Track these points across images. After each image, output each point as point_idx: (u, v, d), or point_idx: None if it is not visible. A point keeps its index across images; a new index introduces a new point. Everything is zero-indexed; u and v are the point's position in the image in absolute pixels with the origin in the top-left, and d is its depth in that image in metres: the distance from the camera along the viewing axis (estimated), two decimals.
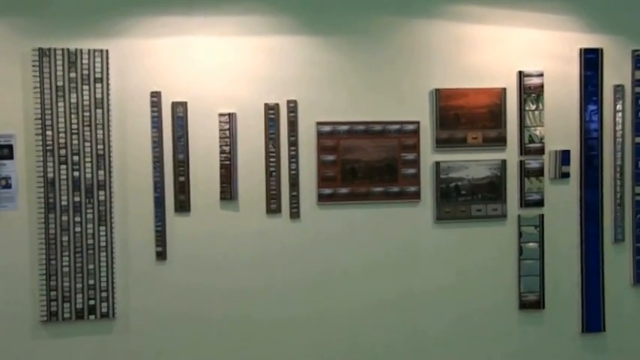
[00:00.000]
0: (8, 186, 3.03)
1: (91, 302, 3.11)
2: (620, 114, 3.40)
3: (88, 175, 3.09)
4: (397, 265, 3.35)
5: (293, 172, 3.25)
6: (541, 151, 3.41)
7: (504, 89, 3.37)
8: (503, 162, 3.38)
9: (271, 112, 3.22)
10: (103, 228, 3.12)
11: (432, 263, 3.38)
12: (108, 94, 3.10)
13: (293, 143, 3.26)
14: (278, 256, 3.26)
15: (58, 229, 3.08)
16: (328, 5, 3.24)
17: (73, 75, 3.06)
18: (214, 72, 3.19)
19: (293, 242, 3.27)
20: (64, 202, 3.08)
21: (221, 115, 3.19)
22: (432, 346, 3.37)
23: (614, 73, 3.42)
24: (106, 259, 3.13)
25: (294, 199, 3.26)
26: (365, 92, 3.30)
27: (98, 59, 3.09)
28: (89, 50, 3.08)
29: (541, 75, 3.39)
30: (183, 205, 3.18)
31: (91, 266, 3.11)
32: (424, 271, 3.38)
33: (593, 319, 3.44)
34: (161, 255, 3.17)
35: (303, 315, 3.28)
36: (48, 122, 3.06)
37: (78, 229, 3.09)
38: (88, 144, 3.09)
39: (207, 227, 3.20)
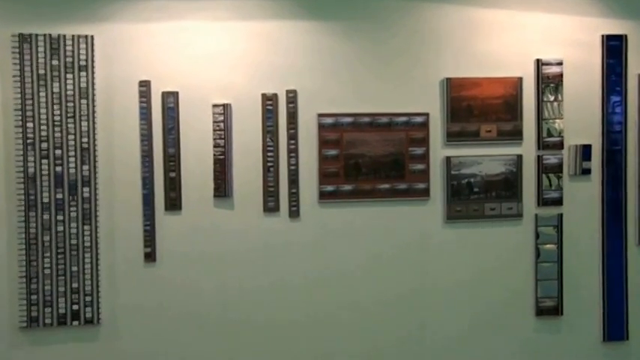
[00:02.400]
0: None
1: (75, 307, 3.12)
2: None
3: (72, 171, 3.10)
4: (404, 268, 3.36)
5: (292, 167, 3.25)
6: (560, 145, 3.41)
7: (520, 79, 3.37)
8: (519, 157, 3.38)
9: (269, 102, 3.21)
10: (87, 227, 3.12)
11: (441, 266, 3.37)
12: (93, 84, 3.11)
13: (292, 136, 3.25)
14: (276, 258, 3.26)
15: (39, 229, 3.08)
16: None
17: (55, 63, 3.07)
18: (208, 60, 3.18)
19: (292, 243, 3.27)
20: (46, 200, 3.08)
21: (215, 106, 3.19)
22: (443, 357, 3.37)
23: (639, 61, 3.44)
24: (90, 260, 3.13)
25: (294, 197, 3.26)
26: (370, 81, 3.29)
27: (83, 46, 3.09)
28: (73, 36, 3.08)
29: (560, 63, 3.40)
30: (173, 203, 3.18)
31: (74, 268, 3.11)
32: (433, 275, 3.37)
33: (615, 326, 3.45)
34: (150, 256, 3.18)
35: (303, 320, 3.28)
36: (29, 113, 3.06)
37: (60, 228, 3.09)
38: (71, 137, 3.09)
39: (200, 227, 3.20)
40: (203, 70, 3.18)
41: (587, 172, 3.41)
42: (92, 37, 3.10)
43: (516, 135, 3.37)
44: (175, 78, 3.16)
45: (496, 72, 3.35)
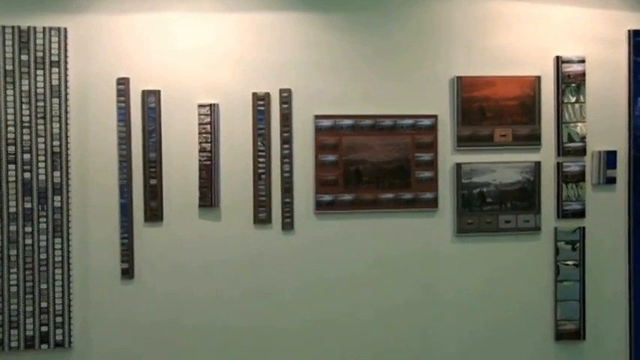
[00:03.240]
0: None
1: (44, 329, 3.07)
2: None
3: (42, 177, 3.04)
4: (409, 287, 3.30)
5: (286, 174, 3.19)
6: (582, 151, 3.35)
7: (539, 78, 3.32)
8: (537, 164, 3.33)
9: (261, 103, 3.16)
10: (58, 240, 3.07)
11: (450, 285, 3.32)
12: (66, 81, 3.06)
13: (286, 140, 3.20)
14: (268, 275, 3.21)
15: (4, 242, 3.03)
16: None
17: (25, 57, 3.02)
18: (193, 55, 3.14)
19: (285, 258, 3.22)
20: (12, 209, 3.04)
21: (201, 106, 3.14)
22: None
23: None
24: (61, 277, 3.07)
25: (287, 207, 3.20)
26: (373, 80, 3.25)
27: (55, 39, 3.05)
28: (44, 28, 3.04)
29: (582, 61, 3.34)
30: (154, 214, 3.12)
31: (43, 286, 3.06)
32: (441, 296, 3.32)
33: None
34: (127, 273, 3.12)
35: (299, 347, 3.23)
36: None
37: (29, 241, 3.05)
38: (41, 139, 3.04)
39: (183, 240, 3.15)
40: (188, 67, 3.14)
41: (611, 181, 3.35)
42: (65, 29, 3.05)
43: (534, 140, 3.32)
44: (157, 75, 3.12)
45: (512, 70, 3.30)
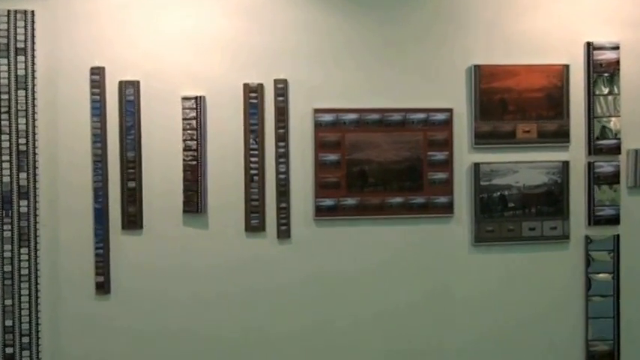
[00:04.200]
0: None
1: (9, 350, 3.03)
2: None
3: (6, 180, 3.02)
4: (422, 303, 3.29)
5: (282, 176, 3.17)
6: (616, 149, 3.32)
7: (567, 67, 3.29)
8: (565, 164, 3.30)
9: (253, 95, 3.15)
10: (24, 250, 3.03)
11: (470, 301, 3.30)
12: (33, 70, 3.03)
13: (282, 137, 3.16)
14: (261, 291, 3.20)
15: None
16: None
17: None
18: (176, 41, 3.13)
19: (281, 272, 3.21)
20: None
21: (185, 99, 3.12)
22: None
23: None
24: (28, 292, 3.04)
25: (283, 213, 3.18)
26: (380, 69, 3.23)
27: (21, 23, 3.02)
28: (9, 11, 3.02)
29: (616, 48, 3.30)
30: (132, 220, 3.11)
31: (8, 302, 3.03)
32: (460, 313, 3.30)
33: None
34: (103, 287, 3.10)
35: None
36: None
37: None
38: (5, 137, 3.02)
39: (166, 250, 3.14)
40: (170, 55, 3.13)
41: None
42: (32, 12, 3.03)
43: (562, 137, 3.29)
44: (136, 64, 3.11)
45: (537, 58, 3.27)
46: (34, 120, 2.99)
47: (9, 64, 2.96)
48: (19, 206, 2.97)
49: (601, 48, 3.25)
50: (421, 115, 3.20)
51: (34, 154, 2.99)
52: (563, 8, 3.26)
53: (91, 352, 3.08)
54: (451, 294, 3.25)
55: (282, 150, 3.15)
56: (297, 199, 3.17)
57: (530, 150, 3.25)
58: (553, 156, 3.26)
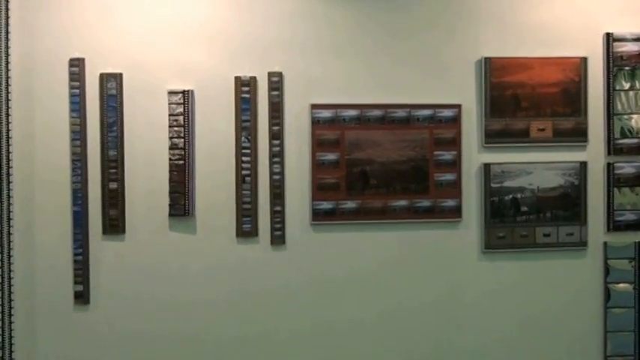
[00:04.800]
0: None
1: None
2: None
3: None
4: (427, 315, 3.26)
5: (276, 177, 3.14)
6: (638, 149, 3.29)
7: (585, 59, 3.25)
8: (583, 165, 3.26)
9: (245, 89, 3.12)
10: None
11: (479, 313, 3.26)
12: (7, 62, 2.99)
13: (276, 135, 3.14)
14: (254, 301, 3.17)
15: None
16: None
17: None
18: (162, 31, 3.09)
19: (275, 281, 3.18)
20: None
21: (172, 93, 3.08)
22: None
23: None
24: (0, 302, 2.98)
25: (278, 217, 3.15)
26: (382, 61, 3.20)
27: None
28: None
29: (638, 39, 3.28)
30: (114, 225, 3.08)
31: None
32: (469, 325, 3.27)
33: None
34: (81, 297, 3.06)
35: None
36: None
37: None
38: None
39: (150, 257, 3.11)
40: (156, 45, 3.09)
41: None
42: None
43: (579, 135, 3.25)
44: (118, 55, 3.08)
45: (552, 50, 3.23)
46: (7, 115, 2.94)
47: None
48: None
49: (622, 39, 3.23)
50: (427, 112, 3.17)
51: (8, 152, 2.94)
52: None
53: None
54: (459, 305, 3.22)
55: (276, 149, 3.12)
56: (292, 202, 3.14)
57: (544, 149, 3.22)
58: (569, 156, 3.23)
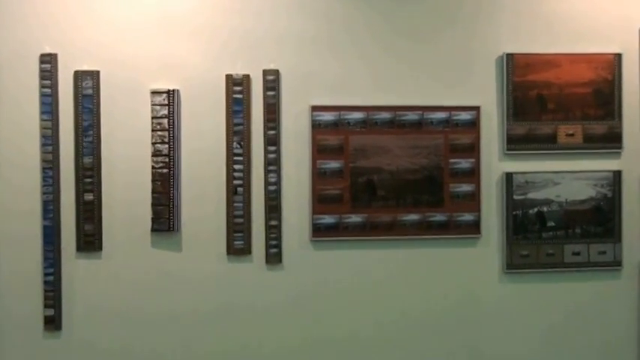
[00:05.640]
0: None
1: None
2: None
3: None
4: (445, 343, 3.13)
5: (272, 187, 3.06)
6: None
7: (618, 56, 3.17)
8: (617, 175, 3.19)
9: (237, 89, 3.04)
10: None
11: (499, 340, 3.17)
12: None
13: (272, 140, 3.07)
14: (246, 327, 3.06)
15: None
16: None
17: None
18: (145, 24, 3.01)
19: (270, 304, 3.09)
20: None
21: (155, 93, 3.00)
22: None
23: None
24: None
25: (274, 233, 3.07)
26: (391, 59, 3.12)
27: None
28: None
29: None
30: (90, 241, 2.99)
31: None
32: (489, 353, 3.17)
33: None
34: (53, 322, 2.96)
35: None
36: None
37: None
38: None
39: (130, 278, 3.02)
40: (137, 39, 3.01)
41: None
42: None
43: (612, 141, 3.17)
44: (95, 50, 2.99)
45: (582, 46, 3.15)
46: None
47: None
48: None
49: None
50: (442, 115, 3.10)
51: None
52: None
53: None
54: (478, 332, 3.14)
55: (272, 156, 3.05)
56: (290, 215, 3.07)
57: (574, 157, 3.15)
58: (602, 164, 3.17)
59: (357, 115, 3.07)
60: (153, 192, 2.96)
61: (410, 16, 3.09)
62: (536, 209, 3.14)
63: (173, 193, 2.97)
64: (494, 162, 3.13)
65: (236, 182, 3.02)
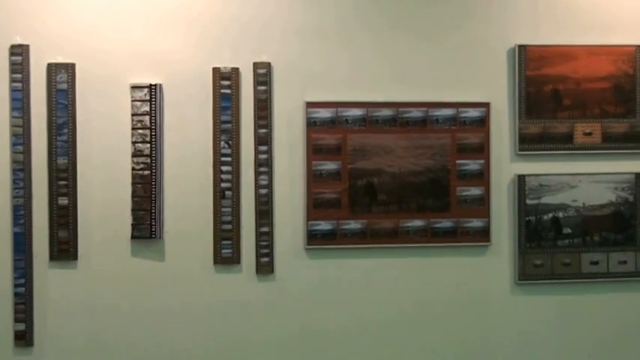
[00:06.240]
0: None
1: None
2: None
3: None
4: None
5: (263, 191, 2.98)
6: None
7: None
8: (639, 177, 3.11)
9: (225, 83, 2.98)
10: None
11: (512, 357, 3.07)
12: None
13: (263, 139, 2.99)
14: (234, 347, 2.99)
15: None
16: None
17: None
18: (124, 12, 2.93)
19: (261, 319, 3.00)
20: None
21: (136, 88, 2.93)
22: None
23: None
24: None
25: (265, 240, 2.99)
26: (393, 50, 3.04)
27: None
28: None
29: None
30: (64, 249, 2.91)
31: None
32: None
33: None
34: (24, 338, 2.88)
35: None
36: None
37: None
38: None
39: (108, 289, 2.94)
40: (116, 30, 2.92)
41: None
42: None
43: (634, 140, 3.11)
44: (70, 41, 2.89)
45: (601, 37, 3.07)
46: None
47: None
48: None
49: None
50: (448, 112, 3.02)
51: None
52: None
53: None
54: (488, 348, 3.07)
55: (263, 156, 2.98)
56: (282, 221, 2.99)
57: (592, 158, 3.08)
58: (623, 166, 3.10)
59: (356, 112, 3.00)
60: (133, 196, 2.89)
61: (414, 5, 3.02)
62: (550, 215, 3.07)
63: (155, 197, 2.90)
64: (505, 163, 3.05)
65: (224, 185, 2.96)
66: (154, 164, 2.89)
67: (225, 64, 2.94)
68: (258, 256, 2.96)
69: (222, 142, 2.96)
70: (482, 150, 3.03)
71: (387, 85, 3.02)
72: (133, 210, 2.88)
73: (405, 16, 3.03)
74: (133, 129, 2.87)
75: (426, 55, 3.02)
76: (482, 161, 3.03)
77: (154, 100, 2.89)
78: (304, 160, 2.97)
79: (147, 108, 2.88)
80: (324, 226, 2.99)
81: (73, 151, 2.86)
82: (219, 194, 2.95)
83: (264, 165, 2.98)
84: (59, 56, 2.86)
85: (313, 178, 2.98)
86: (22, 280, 2.83)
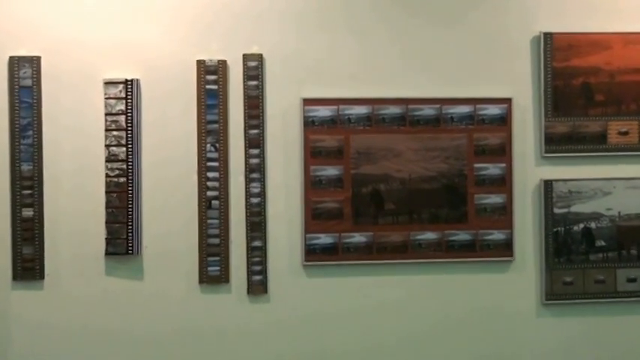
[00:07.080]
0: None
1: None
2: None
3: None
4: None
5: (255, 200, 2.86)
6: None
7: None
8: None
9: (211, 78, 2.86)
10: None
11: None
12: None
13: (255, 141, 2.87)
14: None
15: None
16: None
17: None
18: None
19: (253, 346, 2.85)
20: None
21: (109, 83, 2.79)
22: None
23: None
24: None
25: (257, 256, 2.86)
26: (402, 40, 2.90)
27: None
28: None
29: None
30: (29, 267, 2.79)
31: None
32: None
33: None
34: None
35: None
36: None
37: None
38: None
39: (79, 313, 2.79)
40: (87, 19, 2.78)
41: None
42: None
43: None
44: (35, 33, 2.78)
45: (638, 24, 2.92)
46: None
47: None
48: None
49: None
50: (465, 109, 2.87)
51: None
52: None
53: None
54: None
55: (254, 161, 2.85)
56: (277, 234, 2.85)
57: (628, 160, 2.94)
58: None
59: (360, 110, 2.85)
60: (107, 206, 2.75)
61: None
62: (582, 225, 2.93)
63: (132, 208, 2.76)
64: (530, 167, 2.91)
65: (210, 194, 2.82)
66: (130, 170, 2.76)
67: (211, 56, 2.82)
68: (250, 274, 2.83)
69: (209, 145, 2.83)
70: (503, 152, 2.89)
71: (395, 79, 2.86)
72: (107, 223, 2.74)
73: (416, 4, 2.92)
74: (106, 130, 2.73)
75: (440, 45, 2.88)
76: (503, 165, 2.89)
77: (130, 97, 2.77)
78: (301, 165, 2.84)
79: (122, 106, 2.75)
80: (324, 239, 2.86)
81: (39, 155, 2.74)
82: (204, 204, 2.82)
83: (256, 171, 2.85)
84: (22, 49, 2.73)
85: (311, 185, 2.85)
86: None
